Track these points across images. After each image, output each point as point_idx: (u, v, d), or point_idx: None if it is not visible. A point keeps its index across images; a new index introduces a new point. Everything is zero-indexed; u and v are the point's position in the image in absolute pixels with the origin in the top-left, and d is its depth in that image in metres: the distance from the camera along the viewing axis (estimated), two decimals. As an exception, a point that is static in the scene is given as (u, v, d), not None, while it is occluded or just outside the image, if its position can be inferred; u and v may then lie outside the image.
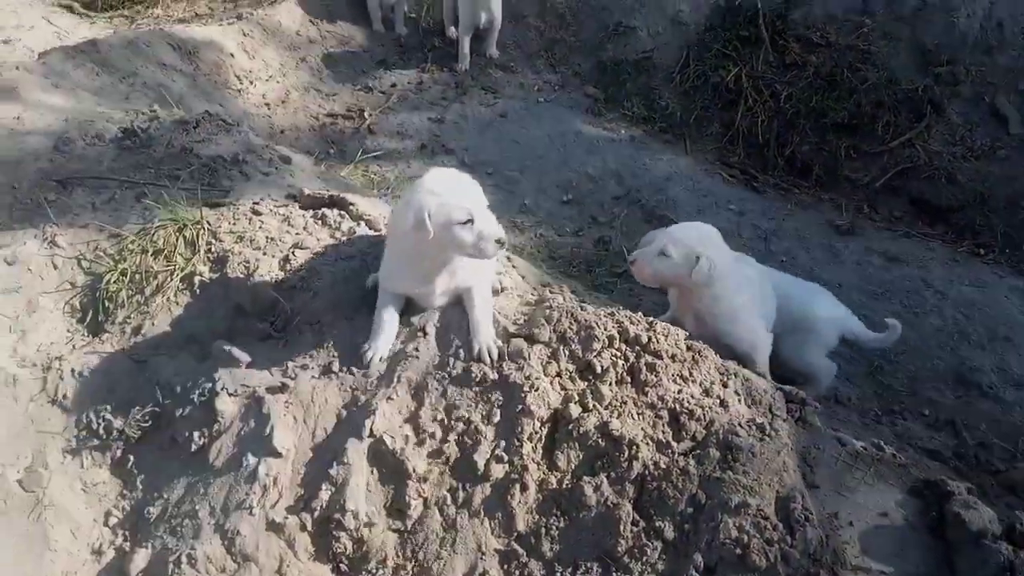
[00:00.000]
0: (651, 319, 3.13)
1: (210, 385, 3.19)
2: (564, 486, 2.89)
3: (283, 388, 3.13)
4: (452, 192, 3.00)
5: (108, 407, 3.35)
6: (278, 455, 3.03)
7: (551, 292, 3.51)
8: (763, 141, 6.24)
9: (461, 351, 3.08)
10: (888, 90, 6.15)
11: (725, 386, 3.05)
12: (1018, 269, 5.29)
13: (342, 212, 3.86)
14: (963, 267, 5.26)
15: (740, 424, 2.90)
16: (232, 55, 6.48)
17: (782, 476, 2.80)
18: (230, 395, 3.17)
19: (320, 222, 3.82)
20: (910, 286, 5.06)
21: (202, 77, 6.15)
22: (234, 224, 3.77)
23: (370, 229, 3.77)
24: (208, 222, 3.74)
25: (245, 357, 3.24)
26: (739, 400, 3.03)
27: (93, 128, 4.81)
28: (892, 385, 4.52)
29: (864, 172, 6.01)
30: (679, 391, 2.97)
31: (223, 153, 4.44)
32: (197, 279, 3.62)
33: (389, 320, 3.17)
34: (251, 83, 6.47)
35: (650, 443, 2.86)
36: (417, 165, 5.90)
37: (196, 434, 3.14)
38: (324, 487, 2.95)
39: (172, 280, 3.62)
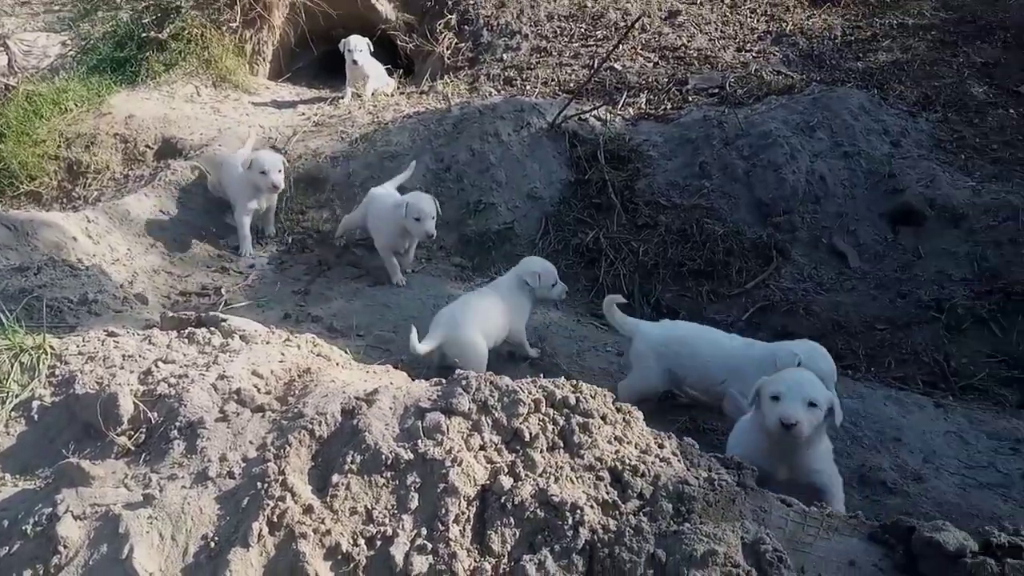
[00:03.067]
0: (574, 381, 2.88)
1: (49, 510, 2.57)
2: (501, 570, 2.44)
3: (146, 502, 2.56)
4: None
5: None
6: (140, 583, 2.42)
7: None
8: (627, 293, 6.38)
9: (366, 436, 2.68)
10: (735, 240, 6.59)
11: (661, 447, 2.79)
12: (886, 382, 5.49)
13: (212, 329, 3.47)
14: (837, 385, 5.37)
15: (687, 478, 2.62)
16: (75, 238, 6.07)
17: (744, 523, 2.51)
18: (76, 518, 2.55)
19: (187, 340, 3.40)
20: (795, 405, 5.08)
21: (40, 256, 5.66)
22: (84, 345, 3.28)
23: (245, 343, 3.38)
24: (51, 346, 3.24)
25: (99, 471, 2.67)
26: (678, 459, 2.77)
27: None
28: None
29: (727, 313, 6.24)
30: (616, 451, 2.68)
31: (70, 295, 3.99)
32: (36, 404, 3.06)
33: None
34: (96, 267, 6.04)
35: (595, 506, 2.51)
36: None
37: (28, 573, 2.48)
38: (202, 612, 2.35)
39: (3, 409, 3.03)
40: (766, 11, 10.16)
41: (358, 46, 9.33)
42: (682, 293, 6.40)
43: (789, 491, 3.06)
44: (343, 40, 9.46)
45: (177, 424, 2.83)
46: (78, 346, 3.27)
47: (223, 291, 6.10)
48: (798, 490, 3.30)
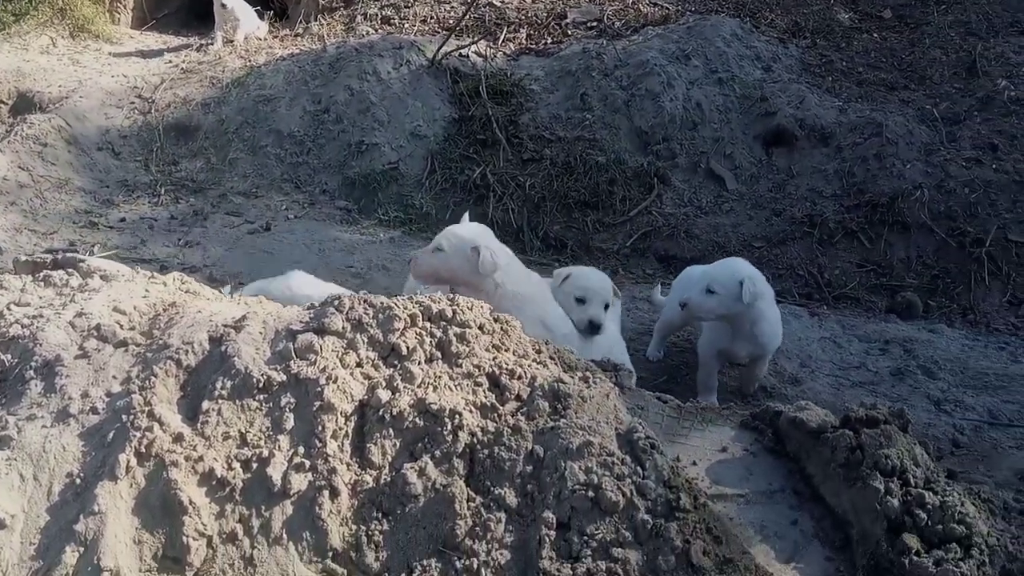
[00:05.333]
0: (452, 295, 2.87)
1: None
2: (383, 481, 2.43)
3: (3, 444, 2.42)
4: None
5: None
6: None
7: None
8: (517, 227, 6.44)
9: (235, 361, 2.60)
10: (618, 169, 6.69)
11: (539, 352, 2.83)
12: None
13: (70, 271, 3.27)
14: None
15: (563, 377, 2.66)
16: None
17: (618, 415, 2.57)
18: (-74, 470, 2.40)
19: (43, 283, 3.20)
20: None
21: None
22: (-76, 296, 3.05)
23: (105, 282, 3.21)
24: None
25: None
26: (555, 363, 2.81)
27: None
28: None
29: (612, 241, 6.36)
30: (494, 358, 2.70)
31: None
32: None
33: None
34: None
35: (473, 410, 2.52)
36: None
37: None
38: (69, 548, 2.25)
39: None
40: (642, -56, 10.21)
41: None
42: (569, 224, 6.49)
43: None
44: None
45: (33, 364, 2.67)
46: (-83, 296, 3.04)
47: (95, 249, 5.78)
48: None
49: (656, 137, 6.96)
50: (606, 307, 4.09)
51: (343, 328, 2.70)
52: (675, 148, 6.92)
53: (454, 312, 2.79)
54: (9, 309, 2.96)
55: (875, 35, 8.54)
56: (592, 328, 3.96)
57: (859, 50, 8.23)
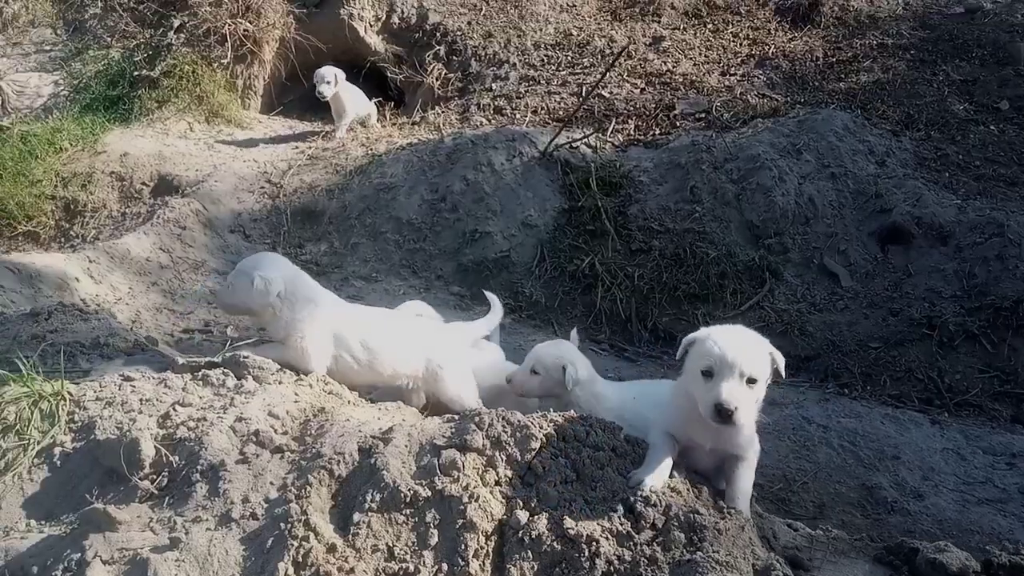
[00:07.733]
0: (584, 415, 2.98)
1: (79, 555, 2.63)
2: (522, 603, 2.52)
3: (173, 545, 2.63)
4: None
5: (-69, 618, 2.68)
6: (170, 626, 2.48)
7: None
8: (625, 317, 6.52)
9: (384, 474, 2.76)
10: (728, 262, 6.72)
11: (671, 476, 2.88)
12: (883, 400, 5.61)
13: (225, 371, 3.54)
14: (834, 404, 5.49)
15: (697, 507, 2.71)
16: (77, 279, 6.14)
17: (753, 549, 2.60)
18: (104, 563, 2.61)
19: (202, 382, 3.47)
20: (794, 424, 5.18)
21: (44, 299, 5.73)
22: (101, 391, 3.35)
23: (258, 383, 3.45)
24: (70, 392, 3.31)
25: (124, 515, 2.72)
26: (687, 489, 2.85)
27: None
28: (801, 515, 4.44)
29: (723, 336, 6.33)
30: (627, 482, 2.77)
31: (81, 339, 4.06)
32: (58, 450, 3.12)
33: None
34: (98, 306, 6.09)
35: (610, 537, 2.59)
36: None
37: (59, 620, 2.54)
38: (233, 653, 2.41)
39: (26, 456, 3.09)
40: (748, 35, 10.36)
41: (324, 77, 9.22)
42: (679, 316, 6.52)
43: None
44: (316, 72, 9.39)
45: (199, 467, 2.90)
46: (95, 391, 3.34)
47: (229, 330, 6.15)
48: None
49: (768, 231, 6.98)
50: (750, 382, 2.78)
51: (483, 446, 2.83)
52: (787, 243, 6.92)
53: (587, 433, 2.89)
54: (175, 410, 3.22)
55: (992, 127, 8.39)
56: (720, 415, 2.69)
57: (976, 143, 8.10)
